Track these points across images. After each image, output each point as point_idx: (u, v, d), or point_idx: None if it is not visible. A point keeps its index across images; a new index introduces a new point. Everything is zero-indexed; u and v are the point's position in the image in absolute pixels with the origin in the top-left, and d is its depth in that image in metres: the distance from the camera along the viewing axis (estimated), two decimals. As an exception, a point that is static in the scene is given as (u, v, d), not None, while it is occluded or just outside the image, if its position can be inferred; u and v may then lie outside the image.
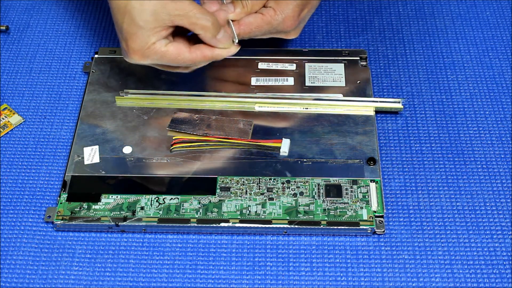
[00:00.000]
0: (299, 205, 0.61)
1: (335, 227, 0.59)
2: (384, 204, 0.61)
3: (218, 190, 0.62)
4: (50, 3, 0.79)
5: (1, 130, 0.67)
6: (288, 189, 0.62)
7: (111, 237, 0.61)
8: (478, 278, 0.58)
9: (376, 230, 0.59)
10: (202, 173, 0.63)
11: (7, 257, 0.59)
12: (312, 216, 0.60)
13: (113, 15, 0.59)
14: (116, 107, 0.68)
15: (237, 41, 0.61)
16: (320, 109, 0.67)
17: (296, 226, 0.59)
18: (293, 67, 0.70)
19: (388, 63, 0.72)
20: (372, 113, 0.67)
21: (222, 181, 0.62)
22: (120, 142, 0.65)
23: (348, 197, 0.61)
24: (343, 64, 0.70)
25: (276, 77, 0.69)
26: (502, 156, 0.65)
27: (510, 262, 0.58)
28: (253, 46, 0.71)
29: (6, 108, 0.69)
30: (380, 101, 0.67)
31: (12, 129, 0.68)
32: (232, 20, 0.62)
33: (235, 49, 0.61)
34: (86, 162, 0.63)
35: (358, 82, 0.69)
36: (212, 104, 0.67)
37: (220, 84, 0.69)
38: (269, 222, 0.60)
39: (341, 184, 0.62)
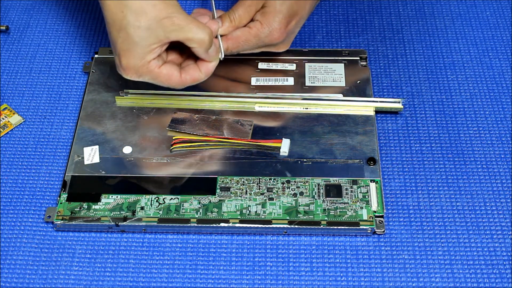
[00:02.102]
0: (299, 205, 0.61)
1: (335, 227, 0.59)
2: (384, 204, 0.61)
3: (218, 190, 0.62)
4: (50, 3, 0.79)
5: (1, 130, 0.67)
6: (288, 189, 0.62)
7: (111, 237, 0.61)
8: (478, 278, 0.58)
9: (376, 230, 0.59)
10: (202, 173, 0.63)
11: (7, 257, 0.59)
12: (312, 216, 0.60)
13: (108, 29, 0.58)
14: (116, 107, 0.68)
15: (223, 56, 0.61)
16: (320, 109, 0.67)
17: (296, 226, 0.59)
18: (293, 67, 0.70)
19: (388, 63, 0.72)
20: (372, 113, 0.67)
21: (222, 181, 0.62)
22: (120, 142, 0.65)
23: (348, 197, 0.61)
24: (343, 64, 0.70)
25: (276, 77, 0.69)
26: (502, 156, 0.65)
27: (510, 262, 0.58)
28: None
29: (6, 108, 0.69)
30: (380, 101, 0.67)
31: (12, 129, 0.68)
32: (220, 35, 0.61)
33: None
34: (86, 162, 0.63)
35: (358, 82, 0.69)
36: (212, 104, 0.67)
37: (220, 84, 0.69)
38: (269, 222, 0.60)
39: (341, 184, 0.62)
